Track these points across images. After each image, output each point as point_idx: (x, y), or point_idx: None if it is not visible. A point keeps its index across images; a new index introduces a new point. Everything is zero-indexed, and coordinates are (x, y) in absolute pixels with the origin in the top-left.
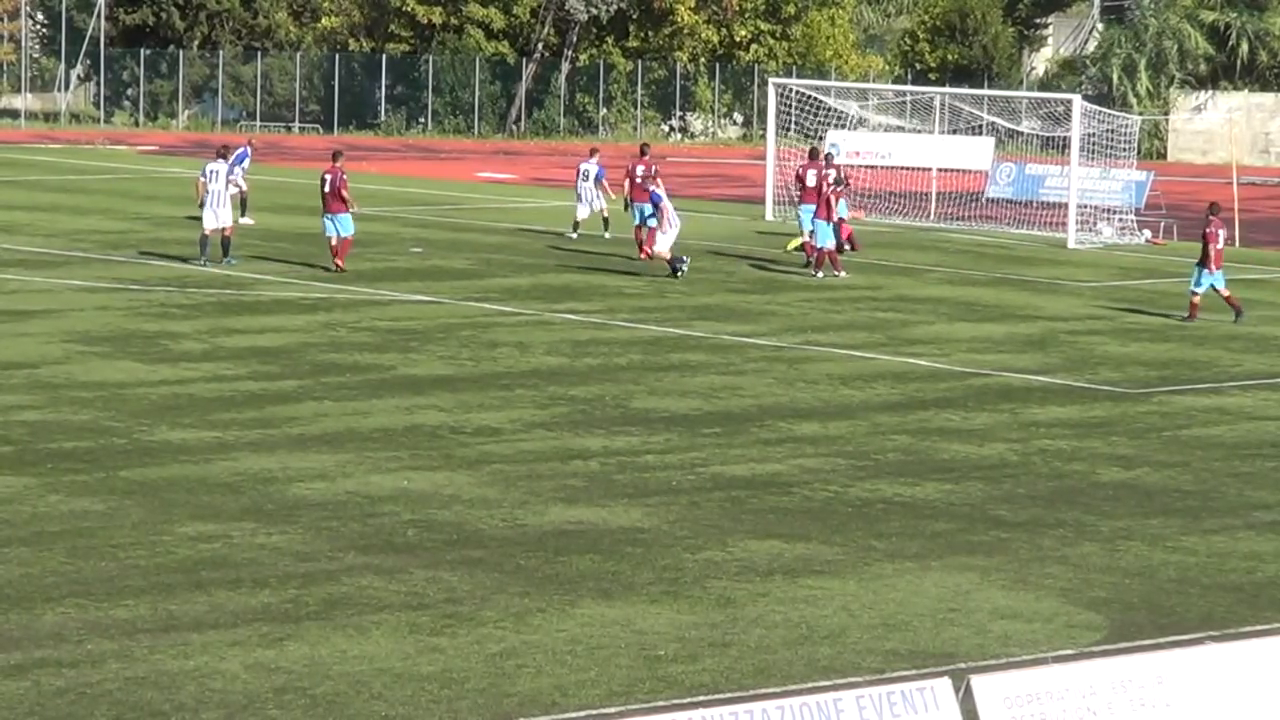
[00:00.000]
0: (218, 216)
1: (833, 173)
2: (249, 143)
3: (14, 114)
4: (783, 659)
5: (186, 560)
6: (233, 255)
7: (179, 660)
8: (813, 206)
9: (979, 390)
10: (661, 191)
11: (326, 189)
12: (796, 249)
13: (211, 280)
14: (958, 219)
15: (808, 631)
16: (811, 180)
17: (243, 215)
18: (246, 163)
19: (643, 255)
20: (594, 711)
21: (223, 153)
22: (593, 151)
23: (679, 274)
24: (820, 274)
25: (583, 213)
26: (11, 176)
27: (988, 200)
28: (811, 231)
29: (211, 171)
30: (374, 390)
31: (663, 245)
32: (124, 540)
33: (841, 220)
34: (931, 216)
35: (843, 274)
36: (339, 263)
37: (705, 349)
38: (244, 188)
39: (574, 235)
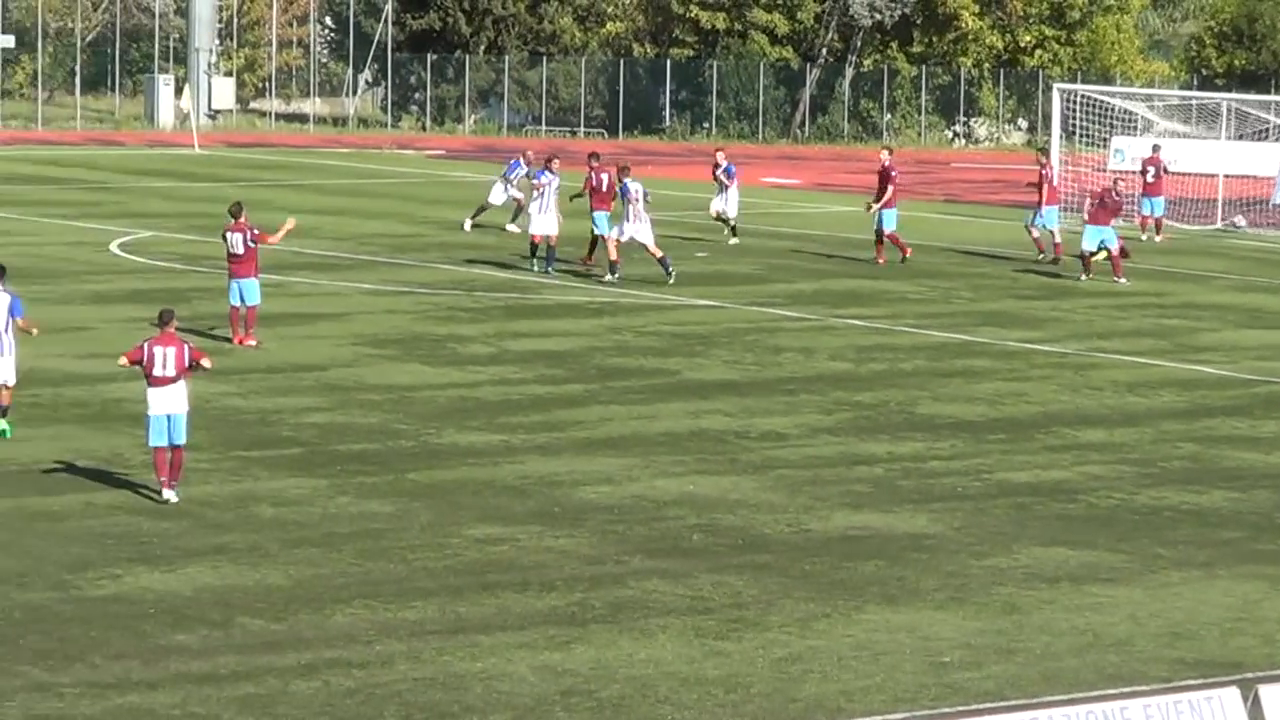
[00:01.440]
0: (545, 223)
1: (1118, 181)
2: (523, 154)
3: (303, 118)
4: (1069, 666)
5: (474, 563)
6: (551, 264)
7: (467, 662)
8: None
9: (1266, 398)
10: (635, 186)
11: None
12: (1105, 258)
13: (498, 284)
14: (1245, 225)
15: (1094, 639)
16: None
17: (511, 222)
18: (520, 172)
19: (586, 261)
20: (880, 718)
21: (549, 162)
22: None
23: (670, 276)
24: (1085, 277)
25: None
26: (300, 180)
27: (1275, 207)
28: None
29: (545, 178)
30: (659, 394)
31: (642, 238)
32: (413, 542)
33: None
34: (1218, 222)
35: (1085, 278)
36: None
37: (990, 355)
38: (520, 196)
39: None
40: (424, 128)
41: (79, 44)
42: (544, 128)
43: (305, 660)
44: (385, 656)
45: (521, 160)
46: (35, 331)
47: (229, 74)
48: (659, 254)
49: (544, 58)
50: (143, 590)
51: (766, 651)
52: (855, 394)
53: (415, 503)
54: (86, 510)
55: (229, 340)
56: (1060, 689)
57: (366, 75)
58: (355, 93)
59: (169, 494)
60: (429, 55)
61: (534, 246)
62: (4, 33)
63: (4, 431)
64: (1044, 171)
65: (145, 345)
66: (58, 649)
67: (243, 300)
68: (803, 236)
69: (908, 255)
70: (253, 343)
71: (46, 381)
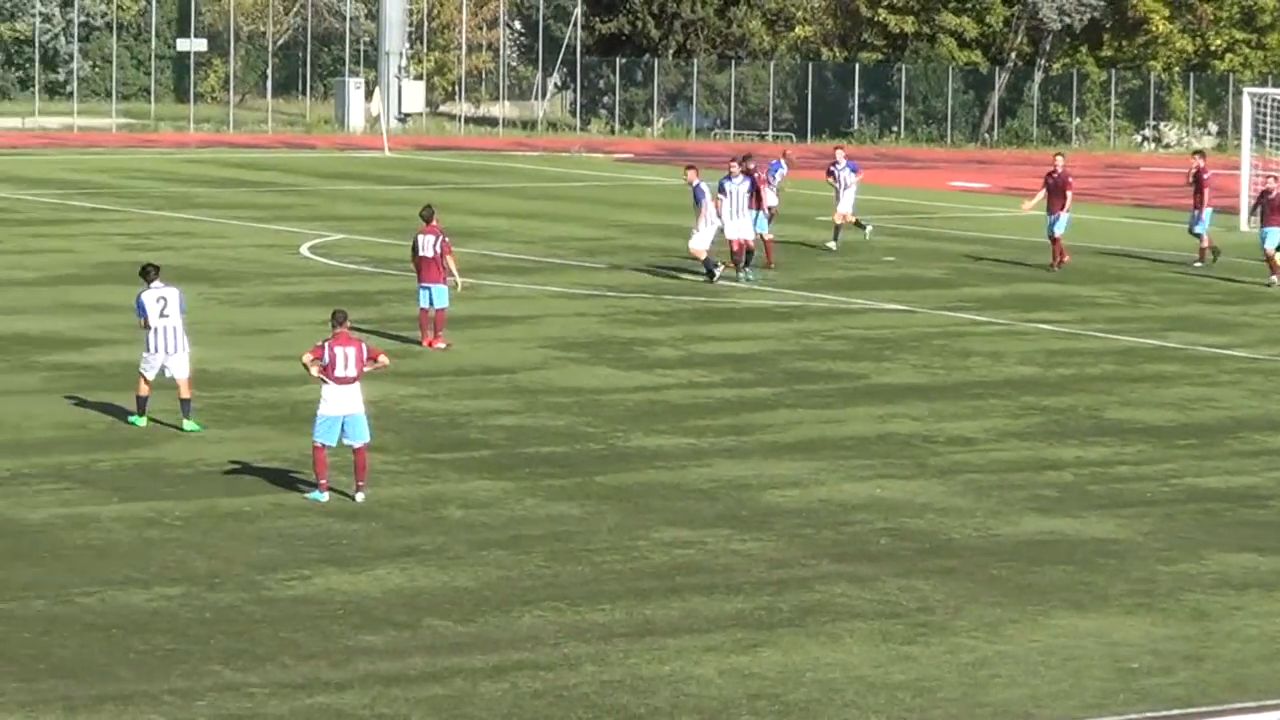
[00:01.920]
0: (739, 227)
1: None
2: (783, 154)
3: (492, 122)
4: (1258, 674)
5: (662, 566)
6: (751, 269)
7: (654, 665)
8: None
9: None
10: (705, 188)
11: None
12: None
13: (686, 288)
14: None
15: None
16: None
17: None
18: (783, 173)
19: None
20: None
21: (744, 165)
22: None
23: (714, 277)
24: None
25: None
26: (491, 184)
27: None
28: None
29: (737, 182)
30: (847, 398)
31: (698, 244)
32: (600, 545)
33: None
34: None
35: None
36: None
37: (1180, 360)
38: (775, 202)
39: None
40: (613, 131)
41: (270, 48)
42: (732, 131)
43: (493, 662)
44: (572, 659)
45: (783, 161)
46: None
47: (419, 78)
48: (704, 256)
49: (733, 61)
50: (331, 591)
51: (954, 656)
52: (1043, 399)
53: (603, 505)
54: (276, 511)
55: (418, 343)
56: (1249, 696)
57: (555, 79)
58: (544, 96)
59: (359, 495)
60: (618, 59)
61: (734, 254)
62: (197, 37)
63: (194, 429)
64: (1201, 174)
65: (325, 346)
66: (247, 649)
67: (432, 303)
68: (991, 241)
69: (1065, 262)
70: (442, 345)
71: (237, 383)
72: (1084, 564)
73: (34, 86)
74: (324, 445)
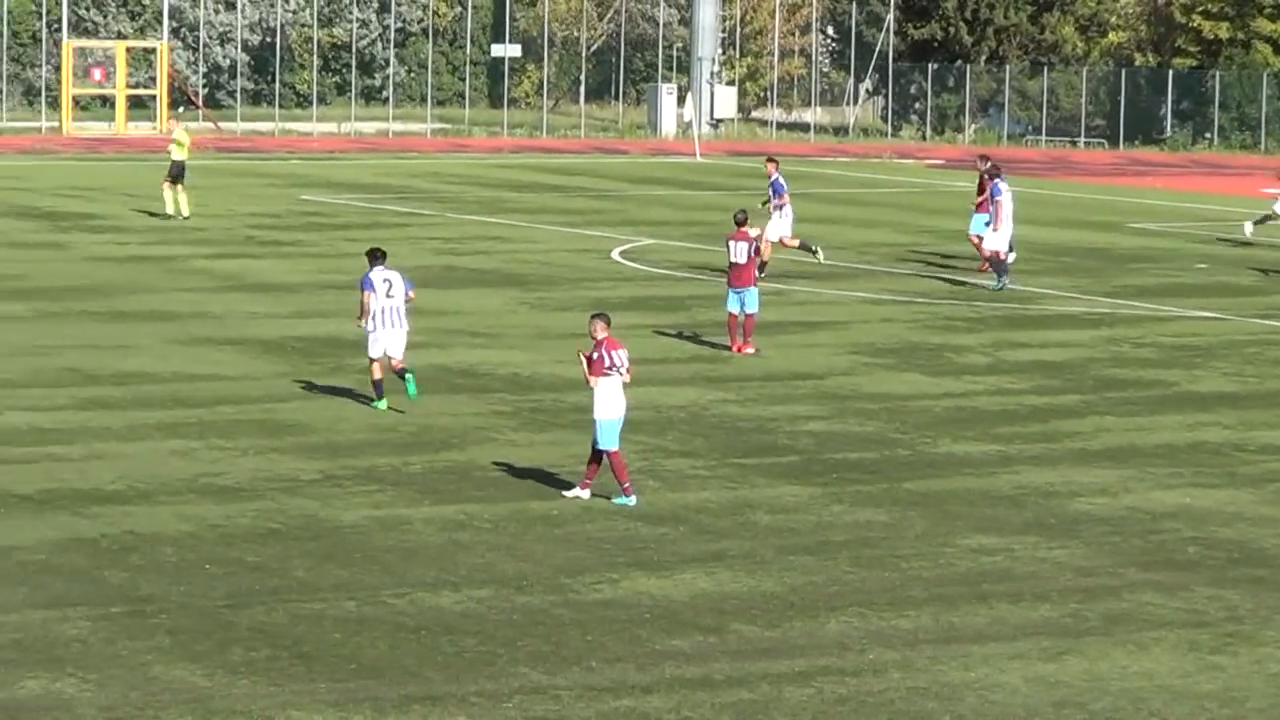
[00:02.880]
0: (998, 238)
1: None
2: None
3: (804, 127)
4: None
5: (968, 572)
6: (1004, 276)
7: (959, 672)
8: None
9: None
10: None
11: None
12: None
13: (996, 295)
14: None
15: None
16: None
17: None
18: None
19: (736, 349)
20: None
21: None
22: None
23: (815, 253)
24: None
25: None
26: (802, 189)
27: None
28: None
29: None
30: (1156, 406)
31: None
32: (907, 551)
33: None
34: None
35: None
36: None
37: None
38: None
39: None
40: (924, 137)
41: (584, 53)
42: (1044, 137)
43: (798, 667)
44: (878, 665)
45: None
46: (413, 295)
47: (731, 83)
48: (765, 257)
49: (1045, 67)
50: (638, 595)
51: (1262, 666)
52: None
53: (910, 511)
54: (584, 515)
55: (727, 348)
56: None
57: (867, 84)
58: (856, 102)
59: (583, 493)
60: (929, 64)
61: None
62: (511, 42)
63: (413, 394)
64: None
65: (602, 348)
66: (554, 652)
67: (743, 308)
68: None
69: None
70: (750, 350)
71: (547, 387)
72: None
73: (350, 92)
74: (616, 450)
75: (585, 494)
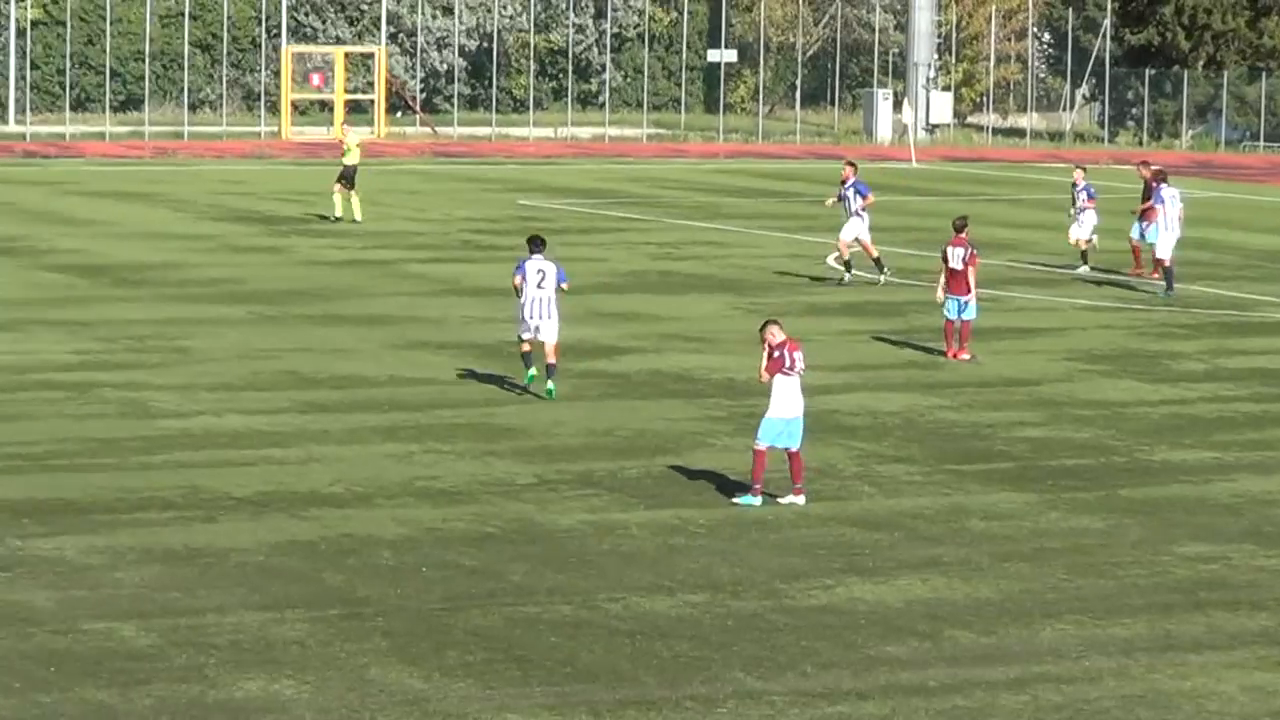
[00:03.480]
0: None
1: None
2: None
3: (1020, 133)
4: None
5: (1185, 580)
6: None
7: (1175, 680)
8: None
9: None
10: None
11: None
12: None
13: (1215, 301)
14: None
15: None
16: None
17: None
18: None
19: (952, 355)
20: None
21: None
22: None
23: (882, 270)
24: None
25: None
26: (1018, 195)
27: None
28: None
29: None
30: None
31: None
32: (1123, 559)
33: None
34: None
35: None
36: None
37: None
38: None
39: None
40: (1140, 143)
41: (800, 59)
42: (1262, 144)
43: (1013, 675)
44: (1093, 673)
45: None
46: (565, 287)
47: (947, 89)
48: (846, 255)
49: (1263, 73)
50: (854, 601)
51: None
52: None
53: (1127, 519)
54: (800, 520)
55: (942, 354)
56: None
57: (1084, 90)
58: (1073, 107)
59: (797, 499)
60: (1146, 70)
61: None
62: (727, 48)
63: (549, 392)
64: None
65: (784, 349)
66: (768, 657)
67: (959, 314)
68: None
69: None
70: (966, 356)
71: (762, 393)
72: None
73: (567, 97)
74: (768, 449)
75: (800, 500)
